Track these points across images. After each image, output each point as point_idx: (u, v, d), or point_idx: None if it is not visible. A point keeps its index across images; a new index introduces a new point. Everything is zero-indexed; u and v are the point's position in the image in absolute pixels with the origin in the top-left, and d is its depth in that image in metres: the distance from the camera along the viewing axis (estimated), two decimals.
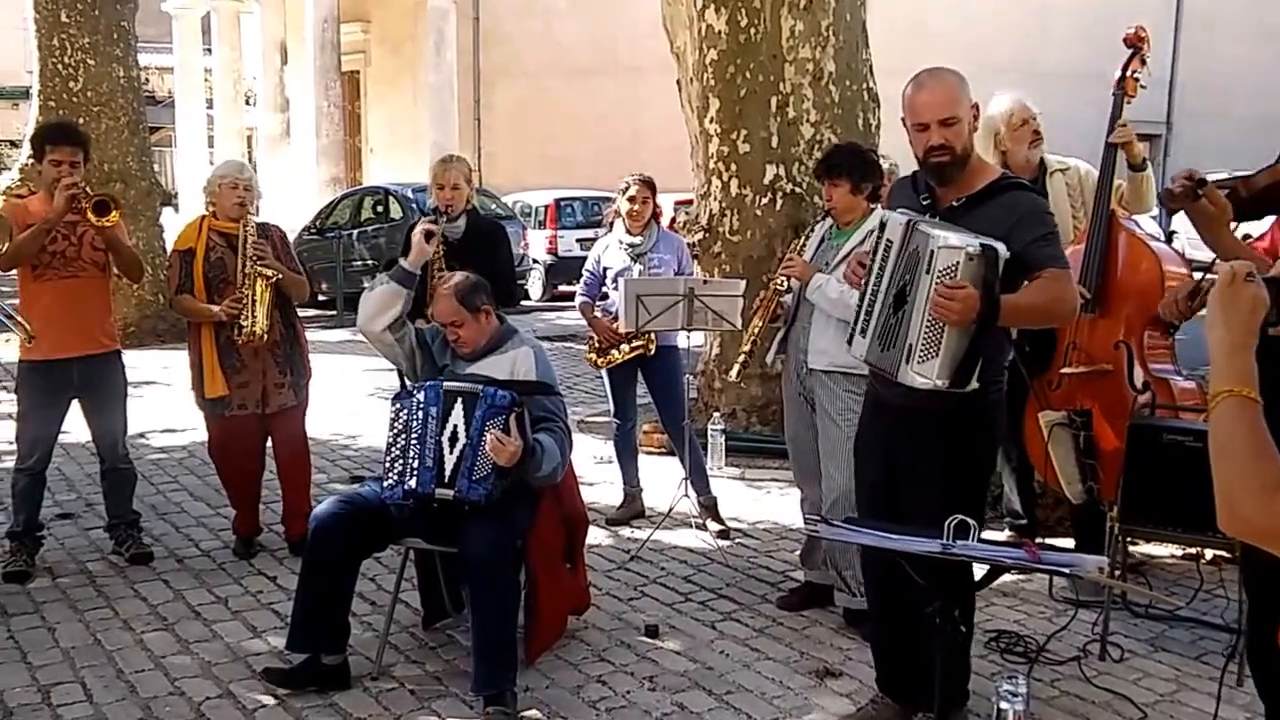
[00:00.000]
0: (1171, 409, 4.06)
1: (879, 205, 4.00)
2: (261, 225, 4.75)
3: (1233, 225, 3.08)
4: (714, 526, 5.13)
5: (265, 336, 4.55)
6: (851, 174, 3.93)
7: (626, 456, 5.42)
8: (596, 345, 5.25)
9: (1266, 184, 2.87)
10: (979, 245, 2.76)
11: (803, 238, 4.24)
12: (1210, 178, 4.44)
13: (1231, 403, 1.52)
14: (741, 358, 4.35)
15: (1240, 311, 1.60)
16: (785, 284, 4.11)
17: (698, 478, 5.21)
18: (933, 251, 2.78)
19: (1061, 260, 2.98)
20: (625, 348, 5.16)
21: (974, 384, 2.87)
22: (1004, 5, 23.59)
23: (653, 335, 5.09)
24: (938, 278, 2.77)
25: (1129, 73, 4.21)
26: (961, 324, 2.77)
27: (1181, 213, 3.22)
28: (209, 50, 22.99)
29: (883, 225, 3.02)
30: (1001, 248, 2.79)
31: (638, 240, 5.20)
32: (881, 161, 4.33)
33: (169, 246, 11.68)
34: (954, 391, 2.84)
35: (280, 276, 4.59)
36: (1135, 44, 4.21)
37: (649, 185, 5.23)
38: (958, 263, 2.75)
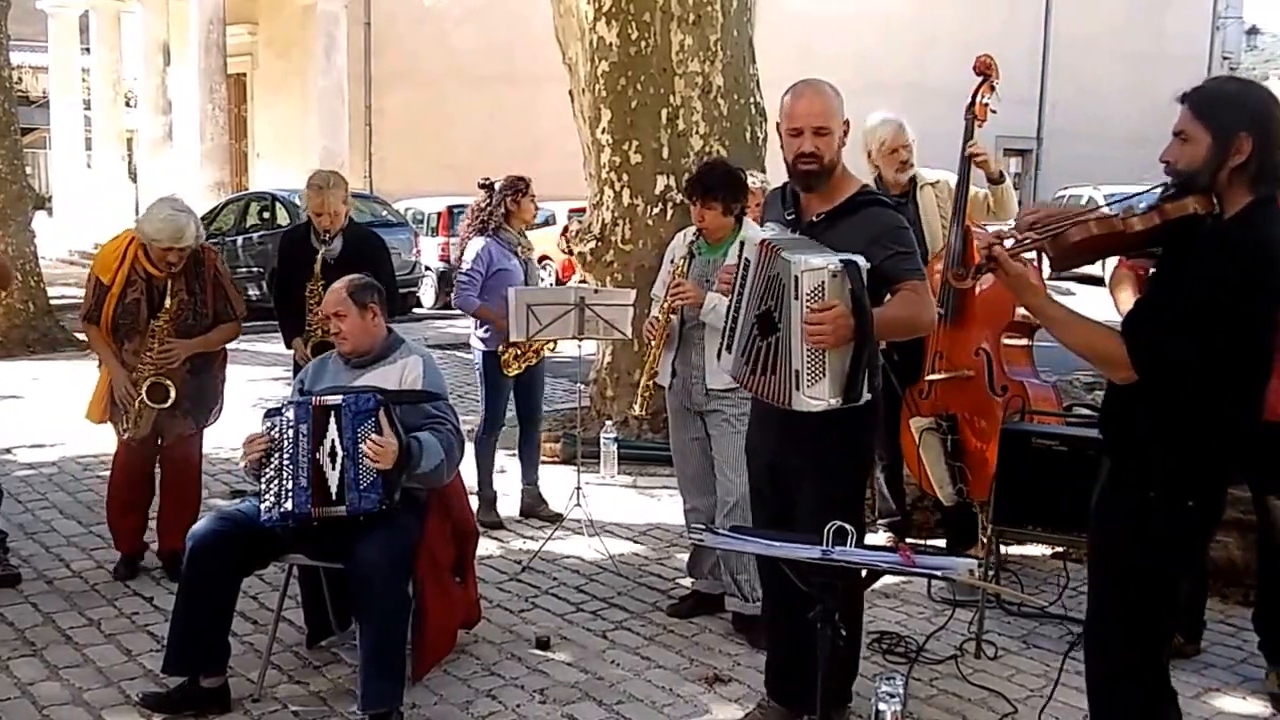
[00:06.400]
0: (1045, 414, 4.22)
1: (745, 219, 4.08)
2: (195, 254, 4.38)
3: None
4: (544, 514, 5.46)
5: (143, 438, 4.44)
6: (724, 195, 3.96)
7: (487, 461, 5.45)
8: (516, 352, 5.21)
9: (1079, 240, 2.59)
10: (839, 262, 2.82)
11: (676, 258, 4.16)
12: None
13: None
14: (642, 389, 4.29)
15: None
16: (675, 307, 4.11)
17: (529, 469, 5.59)
18: (796, 277, 2.81)
19: (919, 272, 3.09)
20: (533, 353, 5.27)
21: (866, 395, 2.94)
22: (890, 24, 24.24)
23: (554, 341, 5.20)
24: (806, 302, 2.82)
25: (979, 98, 4.35)
26: (837, 344, 2.83)
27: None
28: (87, 50, 22.14)
29: (743, 243, 3.09)
30: (861, 260, 2.85)
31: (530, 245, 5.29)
32: (751, 180, 4.41)
33: (40, 251, 11.22)
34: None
35: (175, 393, 4.41)
36: (984, 71, 4.34)
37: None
38: (823, 283, 2.81)
